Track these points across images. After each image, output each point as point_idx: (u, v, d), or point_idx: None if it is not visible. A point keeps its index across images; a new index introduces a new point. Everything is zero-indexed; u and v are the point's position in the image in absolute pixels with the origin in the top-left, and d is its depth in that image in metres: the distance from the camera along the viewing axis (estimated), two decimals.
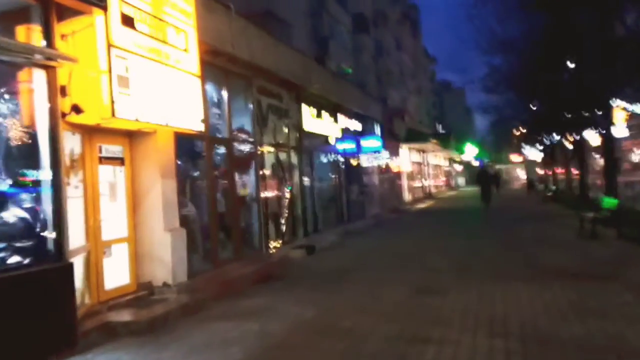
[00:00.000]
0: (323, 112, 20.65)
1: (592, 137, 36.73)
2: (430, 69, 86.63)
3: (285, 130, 17.15)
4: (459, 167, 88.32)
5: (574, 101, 31.63)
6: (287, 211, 16.66)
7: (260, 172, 14.97)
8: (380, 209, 29.92)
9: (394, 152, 37.35)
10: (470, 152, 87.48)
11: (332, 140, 21.68)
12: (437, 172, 62.99)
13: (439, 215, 31.39)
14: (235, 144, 14.15)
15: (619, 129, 29.00)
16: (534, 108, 45.23)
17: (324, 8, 38.94)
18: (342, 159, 23.81)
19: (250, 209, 14.61)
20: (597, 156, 38.04)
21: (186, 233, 11.16)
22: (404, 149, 41.38)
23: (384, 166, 33.82)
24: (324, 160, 22.09)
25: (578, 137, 36.98)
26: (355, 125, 25.73)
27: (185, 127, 10.22)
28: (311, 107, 19.13)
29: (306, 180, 18.88)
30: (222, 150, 13.46)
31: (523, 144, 67.30)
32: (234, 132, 14.16)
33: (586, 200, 31.25)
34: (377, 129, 29.92)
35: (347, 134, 23.97)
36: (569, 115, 35.83)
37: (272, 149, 16.17)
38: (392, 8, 59.82)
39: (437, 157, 64.03)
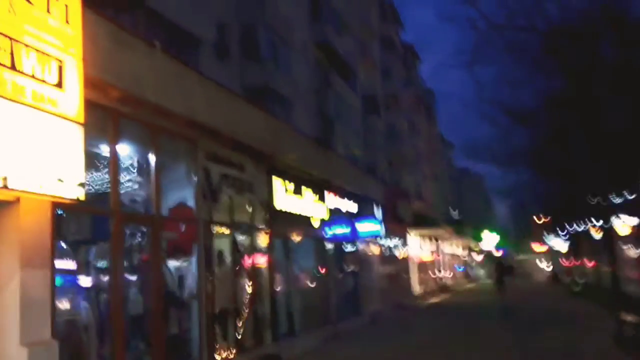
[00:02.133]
0: (305, 189, 17.36)
1: (623, 224, 33.59)
2: (448, 155, 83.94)
3: (249, 207, 13.78)
4: (478, 257, 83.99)
5: (601, 183, 29.02)
6: (247, 309, 13.12)
7: (206, 260, 11.57)
8: (381, 304, 26.11)
9: (400, 238, 33.83)
10: (490, 240, 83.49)
11: (315, 223, 18.20)
12: (453, 262, 58.97)
13: (451, 314, 27.48)
14: (167, 223, 10.93)
15: None
16: (553, 189, 42.49)
17: (330, 86, 36.53)
18: (330, 245, 20.31)
19: (187, 308, 11.14)
20: (627, 246, 34.55)
21: (71, 345, 7.85)
22: (413, 235, 37.79)
23: (387, 254, 30.25)
24: (307, 245, 18.56)
25: (606, 225, 33.76)
26: (350, 207, 22.41)
27: (52, 194, 7.02)
28: (288, 182, 15.83)
29: (278, 269, 15.42)
30: (145, 230, 10.19)
31: (545, 233, 63.88)
32: (170, 208, 10.96)
33: (620, 296, 27.65)
34: (378, 212, 26.53)
35: (338, 215, 20.66)
36: (595, 200, 32.96)
37: (226, 231, 12.80)
38: (405, 91, 57.85)
39: (452, 246, 60.18)
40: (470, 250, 75.92)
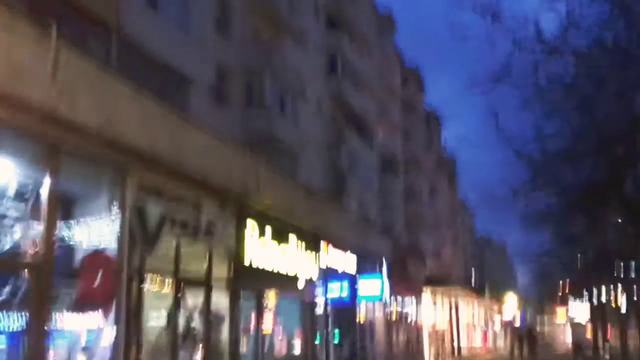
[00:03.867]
0: (292, 241, 14.09)
1: None
2: (469, 221, 79.97)
3: (205, 259, 10.57)
4: (499, 326, 78.82)
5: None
6: None
7: (129, 325, 8.32)
8: None
9: (411, 301, 30.21)
10: (512, 308, 78.65)
11: (301, 282, 14.73)
12: (471, 331, 54.49)
13: None
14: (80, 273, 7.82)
15: None
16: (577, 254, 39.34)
17: (344, 142, 33.74)
18: (322, 309, 16.88)
19: None
20: None
21: None
22: (426, 297, 34.08)
23: (395, 318, 26.65)
24: (291, 308, 15.06)
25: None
26: (348, 265, 19.09)
27: None
28: (266, 231, 12.59)
29: (248, 337, 12.05)
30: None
31: (570, 299, 59.89)
32: (88, 252, 7.91)
33: None
34: (384, 271, 23.12)
35: (334, 274, 17.37)
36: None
37: (166, 289, 9.59)
38: (426, 155, 54.95)
39: (471, 313, 55.92)
40: (492, 318, 71.20)
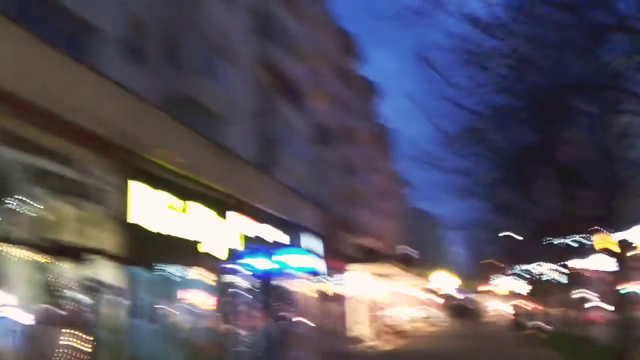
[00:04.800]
0: (204, 207, 12.49)
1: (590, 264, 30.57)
2: (405, 195, 79.84)
3: (89, 224, 8.83)
4: (438, 299, 79.39)
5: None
6: None
7: None
8: (317, 354, 21.27)
9: (344, 275, 29.07)
10: (448, 282, 79.39)
11: (216, 252, 13.09)
12: (409, 304, 54.20)
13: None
14: None
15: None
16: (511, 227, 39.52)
17: (274, 109, 32.08)
18: (244, 283, 15.40)
19: None
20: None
21: None
22: (359, 272, 33.05)
23: (327, 293, 25.48)
24: (203, 282, 13.46)
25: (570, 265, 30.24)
26: (276, 235, 17.66)
27: None
28: (165, 193, 10.93)
29: (142, 315, 10.44)
30: None
31: (504, 274, 60.45)
32: None
33: (587, 344, 23.63)
34: (317, 244, 21.79)
35: (259, 245, 15.90)
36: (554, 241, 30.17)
37: (37, 258, 7.82)
38: (362, 126, 53.86)
39: (409, 286, 55.57)
40: (429, 291, 71.45)
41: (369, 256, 35.11)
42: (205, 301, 13.39)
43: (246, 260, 15.08)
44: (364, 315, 33.96)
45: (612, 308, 19.28)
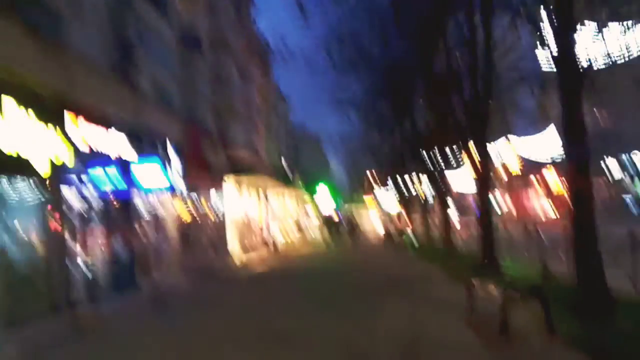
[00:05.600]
0: (17, 108, 10.79)
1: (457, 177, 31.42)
2: (284, 109, 78.75)
3: None
4: (314, 215, 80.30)
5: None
6: None
7: None
8: (177, 275, 20.31)
9: (213, 191, 28.05)
10: (325, 197, 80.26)
11: (39, 165, 11.52)
12: (285, 219, 54.21)
13: (274, 283, 22.06)
14: None
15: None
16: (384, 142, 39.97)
17: (131, 8, 29.40)
18: (85, 195, 13.97)
19: None
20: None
21: None
22: (231, 186, 32.13)
23: (191, 209, 24.43)
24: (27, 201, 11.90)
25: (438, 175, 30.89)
26: (119, 146, 16.16)
27: None
28: None
29: None
30: None
31: (377, 189, 61.65)
32: None
33: (452, 255, 24.21)
34: (173, 156, 20.46)
35: (103, 157, 14.45)
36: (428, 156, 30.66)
37: None
38: (236, 35, 51.52)
39: (285, 202, 55.49)
40: (306, 207, 72.04)
41: (245, 172, 34.12)
42: (34, 222, 11.92)
43: (92, 172, 13.62)
44: (237, 233, 33.27)
45: (478, 218, 19.61)
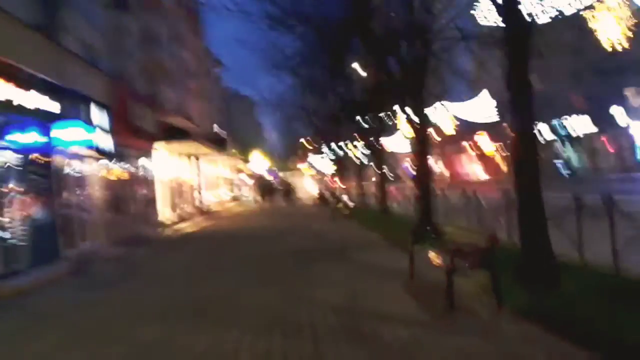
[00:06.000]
0: None
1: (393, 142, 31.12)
2: (217, 73, 76.62)
3: None
4: (249, 180, 79.25)
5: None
6: None
7: None
8: (103, 240, 19.13)
9: (141, 154, 26.75)
10: (261, 163, 79.36)
11: None
12: (219, 185, 53.00)
13: (202, 246, 21.23)
14: None
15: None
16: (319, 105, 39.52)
17: None
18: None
19: None
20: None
21: None
22: (165, 151, 30.84)
23: (124, 173, 23.15)
24: None
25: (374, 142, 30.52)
26: (50, 105, 14.81)
27: None
28: None
29: None
30: None
31: (312, 153, 61.17)
32: None
33: (390, 219, 23.93)
34: (101, 116, 19.07)
35: (23, 115, 13.11)
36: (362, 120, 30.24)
37: None
38: None
39: (219, 167, 54.22)
40: (240, 172, 70.84)
41: (177, 135, 32.70)
42: None
43: (11, 133, 12.33)
44: (170, 197, 32.04)
45: (413, 183, 19.18)
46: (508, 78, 10.08)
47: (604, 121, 50.09)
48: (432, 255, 9.65)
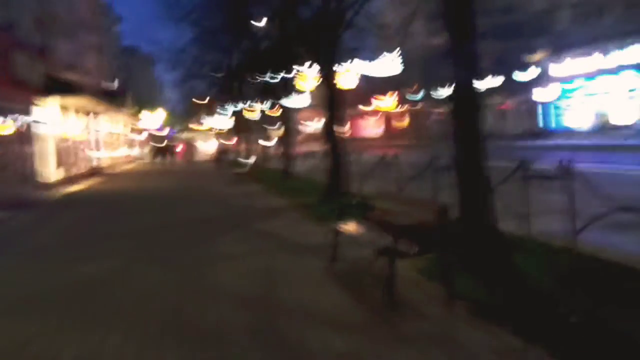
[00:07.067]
0: None
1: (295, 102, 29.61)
2: (115, 29, 71.11)
3: None
4: (142, 137, 74.83)
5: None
6: None
7: None
8: None
9: (31, 109, 23.36)
10: (156, 121, 75.20)
11: None
12: (112, 142, 49.12)
13: (85, 208, 18.37)
14: None
15: None
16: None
17: None
18: None
19: None
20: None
21: None
22: (53, 106, 27.29)
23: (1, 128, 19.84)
24: None
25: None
26: None
27: None
28: None
29: None
30: None
31: (209, 112, 58.89)
32: None
33: (292, 181, 22.34)
34: None
35: None
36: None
37: None
38: None
39: (117, 125, 50.33)
40: (134, 129, 66.60)
41: (67, 89, 29.03)
42: None
43: None
44: (61, 157, 28.62)
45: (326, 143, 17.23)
46: (448, 23, 8.23)
47: (508, 86, 49.69)
48: (356, 230, 7.73)
